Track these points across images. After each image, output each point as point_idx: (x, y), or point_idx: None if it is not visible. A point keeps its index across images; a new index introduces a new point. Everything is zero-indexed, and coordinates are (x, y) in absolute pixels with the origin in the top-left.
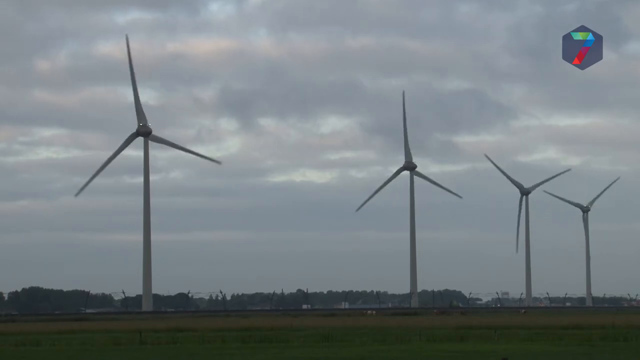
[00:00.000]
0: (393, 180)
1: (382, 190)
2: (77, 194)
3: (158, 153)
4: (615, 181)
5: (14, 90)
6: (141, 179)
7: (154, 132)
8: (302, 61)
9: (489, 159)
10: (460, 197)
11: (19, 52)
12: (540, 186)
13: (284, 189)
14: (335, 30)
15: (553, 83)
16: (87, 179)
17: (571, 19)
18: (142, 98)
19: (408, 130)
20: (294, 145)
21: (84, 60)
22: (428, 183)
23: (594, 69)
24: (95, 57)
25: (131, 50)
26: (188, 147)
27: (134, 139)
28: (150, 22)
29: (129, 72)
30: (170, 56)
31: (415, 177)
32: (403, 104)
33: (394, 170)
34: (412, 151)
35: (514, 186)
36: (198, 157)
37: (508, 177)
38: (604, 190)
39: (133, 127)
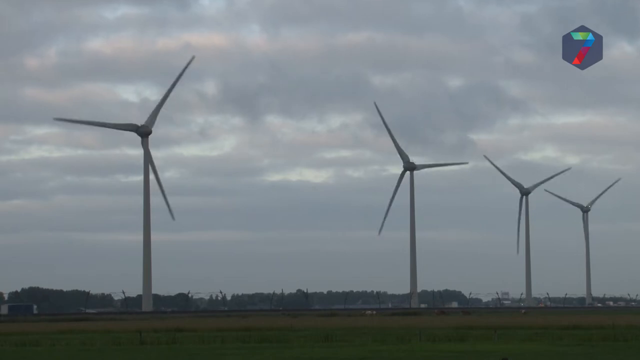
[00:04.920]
0: (393, 180)
1: (382, 190)
2: (173, 218)
3: (153, 152)
4: (616, 181)
5: (4, 88)
6: (137, 178)
7: (153, 130)
8: (297, 58)
9: (487, 159)
10: (466, 162)
11: (8, 49)
12: (541, 185)
13: (281, 189)
14: (329, 25)
15: (562, 78)
16: (82, 178)
17: (583, 12)
18: (143, 94)
19: (407, 128)
20: (290, 144)
21: (74, 57)
22: (430, 180)
23: (611, 62)
24: (85, 54)
25: (122, 47)
26: (185, 146)
27: (144, 140)
28: (140, 18)
29: (123, 70)
30: (163, 52)
31: (416, 173)
32: (379, 113)
33: (391, 169)
34: (411, 149)
35: (514, 186)
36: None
37: (508, 178)
38: (605, 190)
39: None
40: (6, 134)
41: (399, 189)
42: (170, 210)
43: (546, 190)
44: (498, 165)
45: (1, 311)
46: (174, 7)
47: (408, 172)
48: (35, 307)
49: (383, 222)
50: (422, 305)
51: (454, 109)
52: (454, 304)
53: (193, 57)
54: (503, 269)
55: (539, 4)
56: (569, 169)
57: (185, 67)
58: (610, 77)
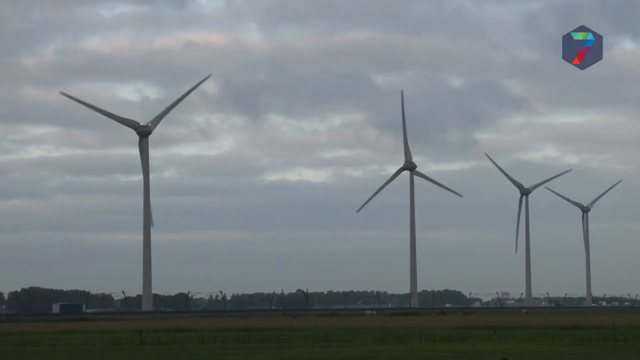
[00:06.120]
0: (393, 180)
1: (382, 190)
2: (153, 225)
3: (152, 152)
4: (617, 183)
5: (2, 87)
6: (136, 178)
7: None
8: (297, 57)
9: (489, 158)
10: (460, 195)
11: (5, 48)
12: (541, 185)
13: (281, 189)
14: (328, 24)
15: (563, 77)
16: (80, 177)
17: (587, 10)
18: (144, 93)
19: (408, 127)
20: (290, 144)
21: (71, 56)
22: (429, 182)
23: (615, 60)
24: (83, 53)
25: (120, 45)
26: (184, 145)
27: (142, 140)
28: (137, 16)
29: (121, 69)
30: (161, 51)
31: (415, 177)
32: (402, 105)
33: (391, 168)
34: (413, 148)
35: (515, 186)
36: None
37: (508, 177)
38: (606, 191)
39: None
40: (5, 133)
41: (400, 189)
42: (151, 220)
43: (547, 188)
44: (499, 165)
45: (53, 310)
46: (171, 6)
47: (408, 172)
48: (84, 306)
49: (365, 203)
50: (447, 305)
51: (456, 108)
52: (477, 304)
53: (209, 75)
54: (503, 269)
55: (543, 1)
56: (569, 170)
57: (200, 83)
58: (613, 75)
